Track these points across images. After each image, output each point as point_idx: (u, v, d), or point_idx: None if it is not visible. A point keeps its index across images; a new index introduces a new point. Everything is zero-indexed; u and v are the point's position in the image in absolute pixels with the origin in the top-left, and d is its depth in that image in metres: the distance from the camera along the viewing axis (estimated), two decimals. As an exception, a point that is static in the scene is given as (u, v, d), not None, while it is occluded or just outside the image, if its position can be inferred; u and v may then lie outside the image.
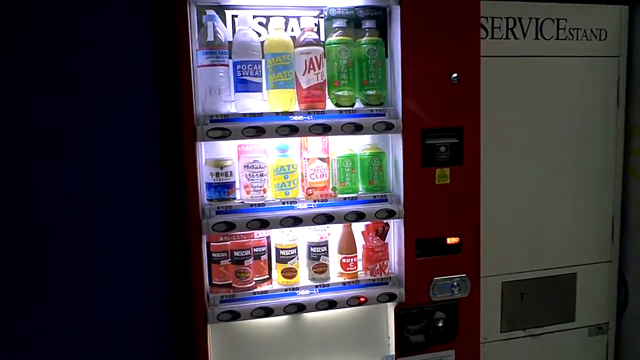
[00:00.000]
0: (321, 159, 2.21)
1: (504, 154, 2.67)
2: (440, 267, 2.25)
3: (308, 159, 2.22)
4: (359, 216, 2.16)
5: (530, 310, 2.79)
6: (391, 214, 2.19)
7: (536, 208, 2.78)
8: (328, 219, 2.14)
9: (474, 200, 2.28)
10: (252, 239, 2.19)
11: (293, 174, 2.17)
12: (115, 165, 1.95)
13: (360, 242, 2.33)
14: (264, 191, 2.16)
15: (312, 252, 2.25)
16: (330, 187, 2.21)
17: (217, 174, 2.11)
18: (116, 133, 1.94)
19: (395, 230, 2.30)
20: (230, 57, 2.11)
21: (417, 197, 2.21)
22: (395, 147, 2.27)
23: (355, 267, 2.28)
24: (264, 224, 2.08)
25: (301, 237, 2.28)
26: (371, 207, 2.19)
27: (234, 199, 2.16)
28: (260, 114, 2.10)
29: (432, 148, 2.19)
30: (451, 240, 2.27)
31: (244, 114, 2.09)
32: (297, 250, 2.24)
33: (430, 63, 2.19)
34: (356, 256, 2.30)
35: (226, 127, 2.03)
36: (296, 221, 2.11)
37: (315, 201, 2.18)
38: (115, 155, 1.95)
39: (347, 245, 2.28)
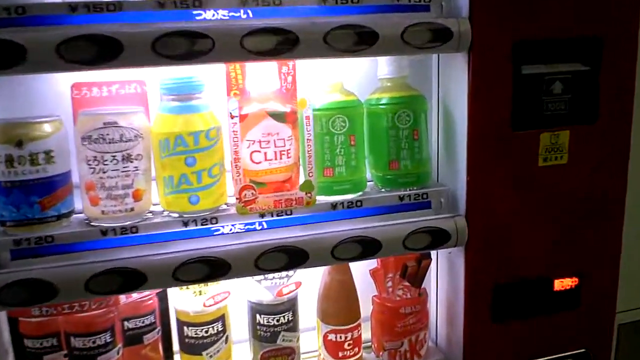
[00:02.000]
0: (276, 116, 0.98)
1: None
2: (540, 339, 1.17)
3: (244, 119, 0.97)
4: (367, 247, 1.01)
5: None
6: (440, 238, 1.04)
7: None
8: (293, 258, 0.98)
9: (615, 201, 1.14)
10: (121, 304, 1.04)
11: (208, 156, 0.96)
12: None
13: (366, 292, 1.18)
14: (136, 196, 0.95)
15: (261, 324, 1.10)
16: (300, 182, 1.00)
17: (10, 161, 0.92)
18: None
19: (444, 266, 1.18)
20: None
21: (497, 197, 1.06)
22: (448, 86, 1.10)
23: (356, 349, 1.15)
24: (132, 280, 0.92)
25: (236, 292, 1.12)
26: (393, 224, 1.04)
27: (62, 216, 0.94)
28: (117, 4, 0.89)
29: (535, 86, 1.03)
30: (562, 283, 1.18)
31: (71, 4, 0.88)
32: (223, 325, 1.09)
33: None
34: (358, 327, 1.15)
35: (21, 37, 0.83)
36: (215, 268, 0.94)
37: (262, 216, 1.00)
38: None
39: (339, 306, 1.13)
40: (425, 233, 1.04)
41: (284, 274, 1.08)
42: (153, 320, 1.08)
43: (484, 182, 1.06)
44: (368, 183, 1.10)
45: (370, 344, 1.23)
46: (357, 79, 1.14)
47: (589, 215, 1.14)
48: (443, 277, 1.21)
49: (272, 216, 1.00)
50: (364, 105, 1.08)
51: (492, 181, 1.06)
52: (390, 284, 1.17)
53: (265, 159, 0.98)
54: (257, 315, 1.09)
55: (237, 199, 0.96)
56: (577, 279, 1.17)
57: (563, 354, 1.21)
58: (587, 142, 1.09)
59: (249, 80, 0.98)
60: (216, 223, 0.98)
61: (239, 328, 1.17)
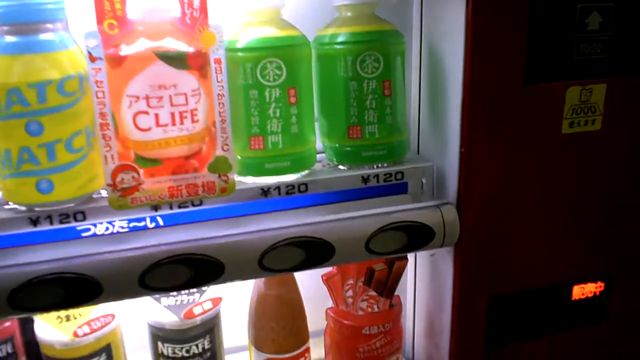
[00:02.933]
0: (172, 59, 0.64)
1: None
2: None
3: (120, 63, 0.62)
4: (313, 252, 0.71)
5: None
6: (420, 237, 0.75)
7: None
8: (200, 271, 0.67)
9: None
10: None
11: (64, 120, 0.63)
12: None
13: (319, 299, 0.89)
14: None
15: (165, 356, 0.79)
16: (211, 158, 0.67)
17: None
18: None
19: (425, 269, 0.91)
20: None
21: (501, 178, 0.76)
22: (437, 19, 0.78)
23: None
24: None
25: (131, 310, 0.82)
26: (353, 216, 0.73)
27: None
28: None
29: (562, 19, 0.71)
30: (583, 290, 0.89)
31: None
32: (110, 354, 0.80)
33: None
34: (305, 353, 0.86)
35: None
36: (77, 290, 0.64)
37: (156, 208, 0.68)
38: None
39: (277, 329, 0.82)
40: (399, 230, 0.74)
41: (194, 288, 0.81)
42: (11, 351, 0.78)
43: (484, 157, 0.75)
44: (318, 157, 0.79)
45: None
46: (302, 5, 0.82)
47: (624, 202, 0.84)
48: (423, 283, 0.93)
49: (172, 209, 0.73)
50: (311, 45, 0.75)
51: (496, 155, 0.76)
52: (350, 293, 0.87)
53: (157, 124, 0.65)
54: (159, 344, 0.79)
55: (108, 185, 0.65)
56: (602, 284, 0.89)
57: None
58: (630, 102, 0.79)
59: (133, 4, 0.64)
60: (84, 220, 0.67)
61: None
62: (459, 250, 0.79)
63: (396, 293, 0.91)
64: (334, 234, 0.72)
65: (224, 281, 0.70)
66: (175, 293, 0.77)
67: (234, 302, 0.90)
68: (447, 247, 0.79)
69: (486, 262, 0.81)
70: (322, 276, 0.87)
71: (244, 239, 0.69)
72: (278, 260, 0.70)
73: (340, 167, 0.78)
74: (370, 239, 0.73)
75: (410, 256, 0.94)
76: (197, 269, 0.68)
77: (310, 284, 0.89)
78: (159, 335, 0.79)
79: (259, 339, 0.84)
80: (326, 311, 0.90)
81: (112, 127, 0.65)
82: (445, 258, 0.83)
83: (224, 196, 0.69)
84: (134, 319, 0.85)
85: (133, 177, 0.65)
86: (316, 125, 0.78)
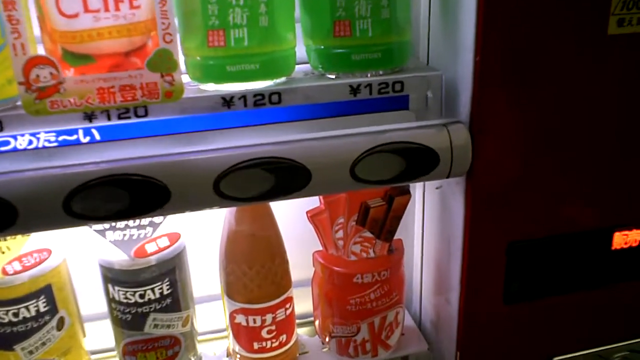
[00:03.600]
0: None
1: None
2: (582, 326, 0.76)
3: None
4: (283, 177, 0.57)
5: None
6: (421, 162, 0.60)
7: None
8: (140, 196, 0.54)
9: None
10: None
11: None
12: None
13: (307, 242, 0.76)
14: None
15: (116, 301, 0.67)
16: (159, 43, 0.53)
17: None
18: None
19: (432, 207, 0.76)
20: None
21: (526, 90, 0.60)
22: None
23: (282, 338, 0.74)
24: None
25: (81, 247, 0.72)
26: (335, 135, 0.59)
27: None
28: None
29: None
30: (626, 237, 0.73)
31: None
32: (49, 302, 0.66)
33: None
34: (285, 303, 0.73)
35: None
36: None
37: (91, 118, 0.54)
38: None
39: (250, 275, 0.69)
40: (394, 153, 0.60)
41: (145, 220, 0.66)
42: None
43: (504, 53, 0.59)
44: (298, 60, 0.64)
45: (312, 318, 0.84)
46: None
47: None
48: (431, 225, 0.79)
49: (110, 119, 0.60)
50: None
51: (521, 62, 0.60)
52: (340, 234, 0.74)
53: (86, 10, 0.51)
54: (110, 287, 0.68)
55: (20, 84, 0.50)
56: (653, 232, 0.78)
57: (621, 344, 0.85)
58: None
59: None
60: (1, 131, 0.54)
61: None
62: (472, 183, 0.64)
63: (399, 236, 0.78)
64: (311, 156, 0.58)
65: (172, 211, 0.57)
66: (121, 226, 0.65)
67: (205, 242, 0.77)
68: (456, 178, 0.65)
69: (505, 199, 0.66)
70: (307, 213, 0.75)
71: (195, 159, 0.56)
72: (239, 186, 0.57)
73: (327, 75, 0.64)
74: (356, 163, 0.59)
75: (418, 190, 0.80)
76: (135, 194, 0.55)
77: (295, 223, 0.75)
78: (108, 276, 0.68)
79: (230, 286, 0.72)
80: (313, 255, 0.78)
81: (38, 13, 0.53)
82: (455, 193, 0.69)
83: (170, 102, 0.55)
84: (86, 257, 0.73)
85: (51, 73, 0.52)
86: (295, 21, 0.64)
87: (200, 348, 0.80)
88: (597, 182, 0.68)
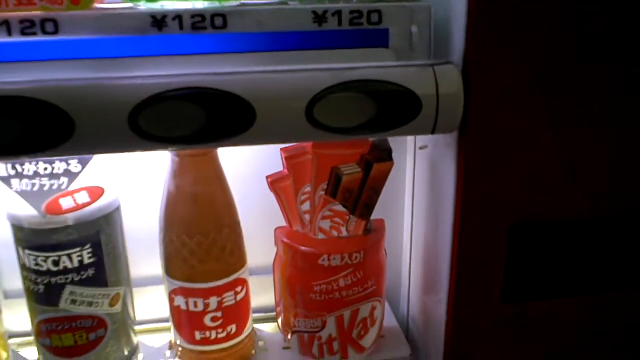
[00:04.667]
0: None
1: None
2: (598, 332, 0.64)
3: None
4: (217, 112, 0.46)
5: None
6: (398, 107, 0.49)
7: None
8: (33, 131, 0.45)
9: None
10: None
11: None
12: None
13: (268, 219, 0.65)
14: None
15: (27, 268, 0.57)
16: None
17: None
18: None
19: (421, 177, 0.66)
20: None
21: (535, 28, 0.49)
22: None
23: (230, 329, 0.62)
24: None
25: None
26: (288, 69, 0.48)
27: None
28: None
29: None
30: None
31: None
32: None
33: None
34: (237, 285, 0.61)
35: None
36: None
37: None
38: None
39: (191, 246, 0.58)
40: (364, 94, 0.48)
41: (59, 168, 0.54)
42: None
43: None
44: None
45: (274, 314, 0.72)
46: None
47: None
48: (420, 203, 0.67)
49: (11, 34, 0.50)
50: None
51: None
52: (307, 206, 0.63)
53: None
54: (20, 251, 0.57)
55: None
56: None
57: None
58: None
59: None
60: None
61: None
62: (464, 145, 0.53)
63: (381, 216, 0.66)
64: (257, 90, 0.47)
65: (77, 149, 0.47)
66: (30, 173, 0.54)
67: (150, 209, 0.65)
68: (445, 137, 0.54)
69: (507, 168, 0.54)
70: (267, 178, 0.63)
71: (108, 85, 0.46)
72: (162, 123, 0.47)
73: (290, 2, 0.54)
74: (314, 103, 0.47)
75: (409, 161, 0.69)
76: (28, 124, 0.46)
77: (255, 193, 0.64)
78: (19, 237, 0.58)
79: (169, 260, 0.60)
80: (275, 233, 0.66)
81: None
82: (444, 158, 0.57)
83: (77, 10, 0.46)
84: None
85: None
86: None
87: (143, 339, 0.69)
88: (624, 148, 0.55)
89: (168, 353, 0.69)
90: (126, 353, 0.65)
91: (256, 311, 0.74)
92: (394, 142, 0.63)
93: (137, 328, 0.69)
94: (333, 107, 0.49)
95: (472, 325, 0.62)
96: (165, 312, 0.68)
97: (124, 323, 0.64)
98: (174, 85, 0.47)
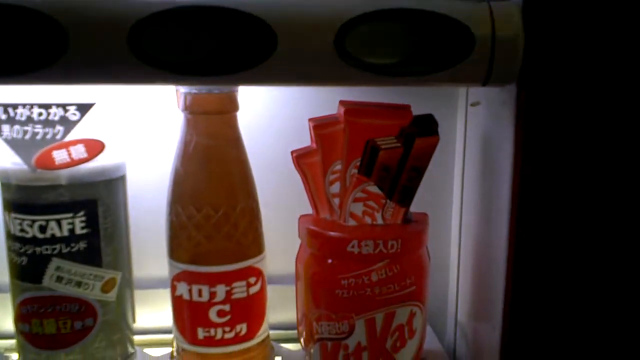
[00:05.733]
0: None
1: None
2: None
3: None
4: (234, 37, 0.41)
5: None
6: (444, 44, 0.42)
7: None
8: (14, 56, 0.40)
9: None
10: None
11: None
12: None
13: (290, 206, 0.57)
14: None
15: (12, 236, 0.51)
16: None
17: None
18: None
19: (473, 155, 0.59)
20: None
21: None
22: None
23: (240, 329, 0.54)
24: None
25: None
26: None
27: None
28: None
29: None
30: None
31: None
32: None
33: None
34: (249, 274, 0.54)
35: None
36: None
37: None
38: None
39: (199, 220, 0.51)
40: (405, 24, 0.43)
41: (55, 114, 0.48)
42: None
43: None
44: None
45: (295, 324, 0.61)
46: None
47: None
48: (470, 192, 0.60)
49: None
50: None
51: None
52: (336, 188, 0.55)
53: None
54: (6, 214, 0.51)
55: None
56: None
57: None
58: None
59: None
60: None
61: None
62: (525, 102, 0.45)
63: (425, 210, 0.58)
64: (277, 11, 0.41)
65: (69, 71, 0.41)
66: (22, 118, 0.49)
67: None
68: (502, 92, 0.47)
69: (584, 131, 0.45)
70: (291, 153, 0.56)
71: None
72: (166, 44, 0.41)
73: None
74: (345, 31, 0.42)
75: (459, 141, 0.62)
76: (14, 35, 0.40)
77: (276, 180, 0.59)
78: (5, 197, 0.52)
79: (173, 239, 0.53)
80: (299, 221, 0.58)
81: None
82: (500, 120, 0.48)
83: None
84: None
85: None
86: None
87: (147, 351, 0.61)
88: None
89: (168, 362, 0.62)
90: (117, 355, 0.56)
91: (275, 327, 0.66)
92: (440, 117, 0.53)
93: (137, 338, 0.61)
94: (366, 35, 0.44)
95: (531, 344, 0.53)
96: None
97: (118, 319, 0.56)
98: (183, 2, 0.43)
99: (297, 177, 0.57)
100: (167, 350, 0.63)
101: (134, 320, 0.60)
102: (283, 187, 0.61)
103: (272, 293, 0.61)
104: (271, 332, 0.63)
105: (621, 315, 0.52)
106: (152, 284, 0.65)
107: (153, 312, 0.66)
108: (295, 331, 0.63)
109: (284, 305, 0.63)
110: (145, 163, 0.65)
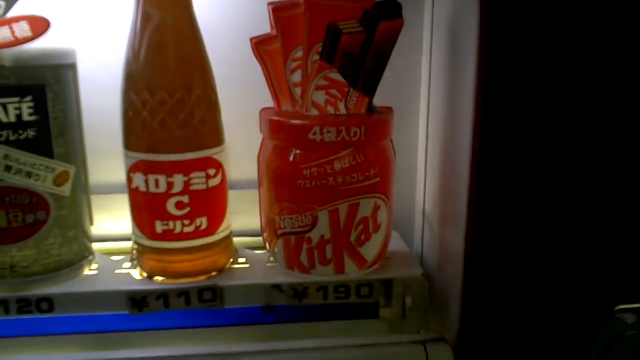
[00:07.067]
0: None
1: None
2: None
3: None
4: None
5: None
6: None
7: None
8: None
9: None
10: None
11: None
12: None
13: (250, 98, 0.57)
14: None
15: None
16: None
17: None
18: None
19: (441, 45, 0.59)
20: None
21: None
22: None
23: (200, 222, 0.52)
24: None
25: None
26: None
27: None
28: None
29: None
30: None
31: None
32: None
33: None
34: (209, 164, 0.52)
35: None
36: None
37: None
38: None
39: (153, 103, 0.49)
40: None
41: None
42: None
43: None
44: None
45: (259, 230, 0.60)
46: None
47: None
48: (436, 88, 0.60)
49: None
50: None
51: None
52: (297, 77, 0.53)
53: None
54: None
55: None
56: None
57: None
58: None
59: None
60: None
61: None
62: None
63: (390, 104, 0.57)
64: None
65: None
66: None
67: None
68: None
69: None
70: (250, 40, 0.55)
71: None
72: None
73: None
74: None
75: (425, 26, 0.61)
76: None
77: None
78: None
79: (128, 128, 0.51)
80: (260, 114, 0.57)
81: None
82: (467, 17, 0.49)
83: None
84: None
85: None
86: None
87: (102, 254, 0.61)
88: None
89: (128, 264, 0.59)
90: (73, 254, 0.55)
91: (239, 234, 0.65)
92: (406, 3, 0.50)
93: (96, 246, 0.59)
94: None
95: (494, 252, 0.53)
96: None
97: (73, 216, 0.55)
98: None
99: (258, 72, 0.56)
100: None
101: (91, 223, 0.59)
102: (242, 82, 0.60)
103: (236, 198, 0.59)
104: (235, 239, 0.62)
105: (582, 220, 0.53)
106: (111, 189, 0.63)
107: (111, 218, 0.64)
108: (260, 238, 0.62)
109: (248, 211, 0.61)
110: (99, 51, 0.61)
